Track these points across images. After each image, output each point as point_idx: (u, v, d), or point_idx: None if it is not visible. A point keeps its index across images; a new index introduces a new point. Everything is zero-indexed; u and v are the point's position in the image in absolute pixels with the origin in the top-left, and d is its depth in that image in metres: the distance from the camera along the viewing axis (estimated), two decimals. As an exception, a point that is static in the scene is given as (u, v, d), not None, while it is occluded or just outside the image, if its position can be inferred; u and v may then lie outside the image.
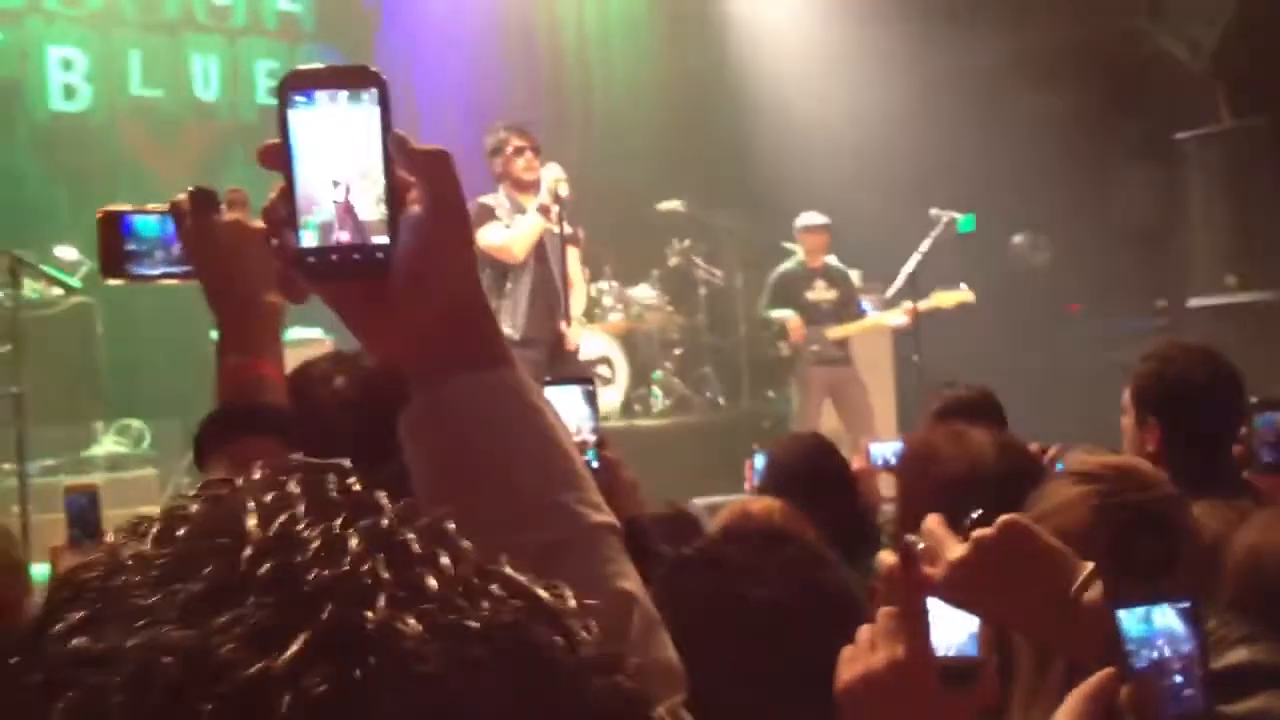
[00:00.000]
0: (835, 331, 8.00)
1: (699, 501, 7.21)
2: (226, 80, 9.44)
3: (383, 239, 0.91)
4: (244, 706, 0.48)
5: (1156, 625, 1.25)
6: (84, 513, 2.92)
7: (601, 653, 0.55)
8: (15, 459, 5.53)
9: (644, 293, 9.25)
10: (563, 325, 6.38)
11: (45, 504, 5.14)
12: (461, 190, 0.96)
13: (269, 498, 0.55)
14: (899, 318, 7.84)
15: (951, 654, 1.33)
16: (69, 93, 8.92)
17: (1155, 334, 8.22)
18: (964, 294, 7.66)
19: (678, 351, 9.40)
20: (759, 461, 3.71)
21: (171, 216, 1.49)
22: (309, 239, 0.91)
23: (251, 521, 0.53)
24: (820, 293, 8.09)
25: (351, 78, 0.91)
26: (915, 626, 1.29)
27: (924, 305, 7.66)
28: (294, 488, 0.56)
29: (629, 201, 9.87)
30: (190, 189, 1.49)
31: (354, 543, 0.53)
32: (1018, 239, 9.99)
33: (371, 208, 0.91)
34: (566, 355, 6.50)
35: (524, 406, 0.96)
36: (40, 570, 3.38)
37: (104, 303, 7.30)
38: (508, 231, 6.19)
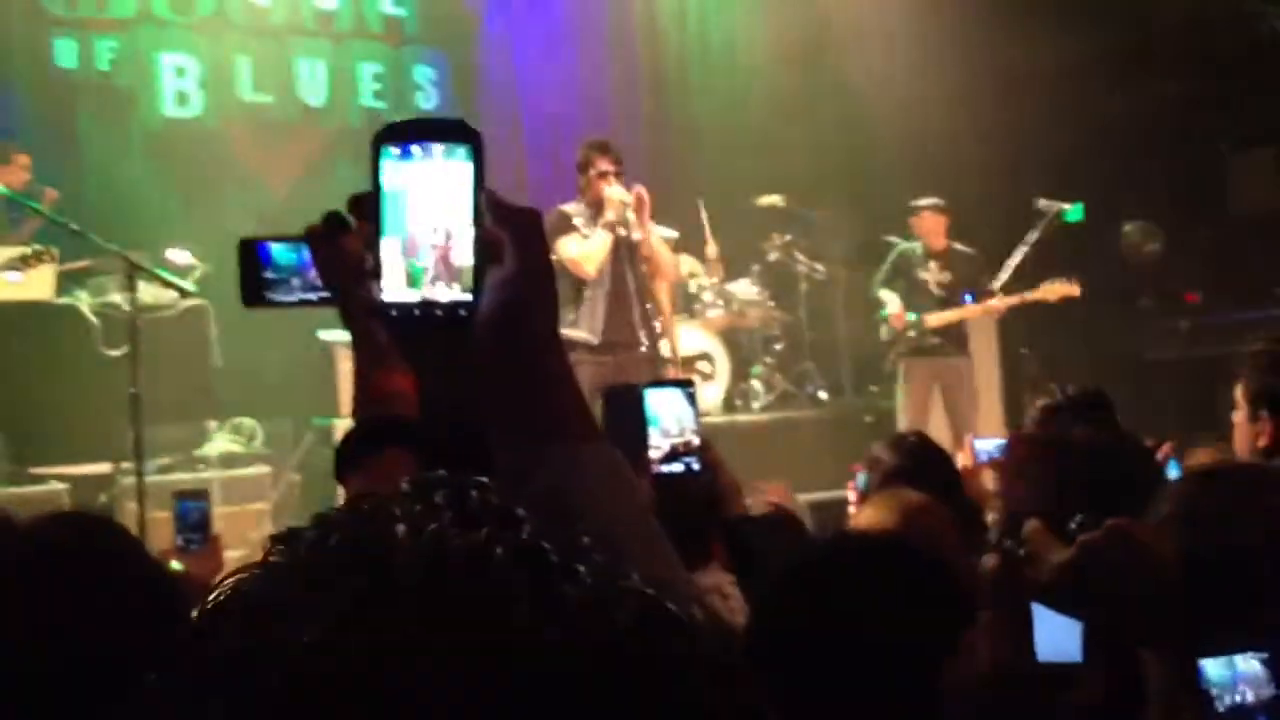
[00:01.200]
0: (934, 319, 7.84)
1: (802, 498, 7.18)
2: (333, 84, 9.60)
3: (467, 296, 0.91)
4: (390, 712, 0.51)
5: (1239, 670, 1.23)
6: (193, 517, 2.96)
7: (722, 665, 0.58)
8: (133, 458, 5.68)
9: (744, 288, 9.21)
10: (642, 334, 6.50)
11: (161, 502, 5.28)
12: (549, 253, 0.96)
13: (418, 509, 0.58)
14: (992, 308, 7.68)
15: (1054, 659, 1.31)
16: (181, 99, 9.14)
17: (1274, 325, 7.99)
18: (1068, 287, 7.50)
19: (778, 347, 9.35)
20: (860, 480, 3.64)
21: (306, 243, 1.53)
22: (393, 291, 0.91)
23: (401, 530, 0.56)
24: (934, 274, 7.92)
25: (447, 131, 0.92)
26: (1016, 630, 1.28)
27: (1030, 296, 7.51)
28: (440, 500, 0.59)
29: (729, 197, 9.84)
30: (323, 215, 1.53)
31: (499, 553, 0.56)
32: (1128, 228, 9.77)
33: (458, 263, 0.91)
34: (650, 360, 6.59)
35: (625, 482, 0.97)
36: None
37: (217, 305, 7.47)
38: (582, 246, 6.29)
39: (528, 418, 0.95)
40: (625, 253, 6.48)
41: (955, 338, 7.85)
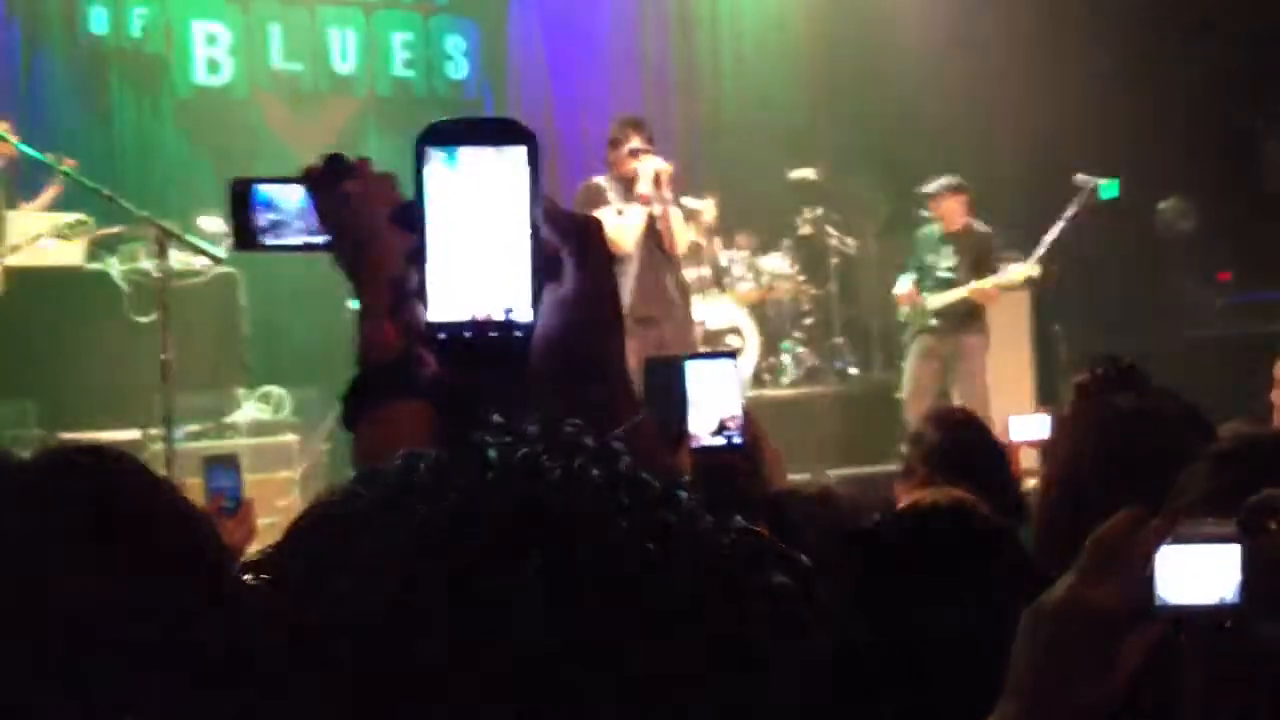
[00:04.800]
0: (933, 300, 7.81)
1: (831, 473, 7.16)
2: (363, 53, 9.58)
3: (523, 317, 0.82)
4: (482, 621, 0.50)
5: None
6: (225, 482, 2.94)
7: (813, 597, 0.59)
8: (161, 425, 5.69)
9: (775, 262, 9.18)
10: (675, 307, 6.54)
11: (190, 469, 5.29)
12: (613, 266, 0.88)
13: (508, 438, 0.56)
14: (975, 290, 7.67)
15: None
16: (212, 67, 9.14)
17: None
18: (1028, 269, 7.50)
19: (808, 321, 9.32)
20: None
21: (306, 185, 1.49)
22: (440, 312, 0.83)
23: (492, 454, 0.55)
24: (944, 258, 7.90)
25: (498, 132, 0.83)
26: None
27: (999, 281, 7.54)
28: (533, 430, 0.57)
29: (760, 170, 9.79)
30: (322, 156, 1.49)
31: (597, 474, 0.55)
32: (1163, 205, 9.67)
33: (512, 280, 0.82)
34: (686, 332, 6.62)
35: None
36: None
37: (246, 273, 7.48)
38: (617, 222, 6.29)
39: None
40: (654, 230, 6.49)
41: (962, 317, 7.79)
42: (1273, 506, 1.29)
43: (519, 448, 0.55)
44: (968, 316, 7.77)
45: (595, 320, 0.85)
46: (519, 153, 0.82)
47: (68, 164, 6.96)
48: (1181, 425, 2.38)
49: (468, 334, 0.82)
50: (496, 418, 0.59)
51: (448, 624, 0.50)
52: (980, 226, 7.88)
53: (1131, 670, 1.27)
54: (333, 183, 1.47)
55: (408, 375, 1.47)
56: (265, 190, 1.50)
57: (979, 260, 7.78)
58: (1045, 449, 3.38)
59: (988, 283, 7.58)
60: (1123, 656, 1.24)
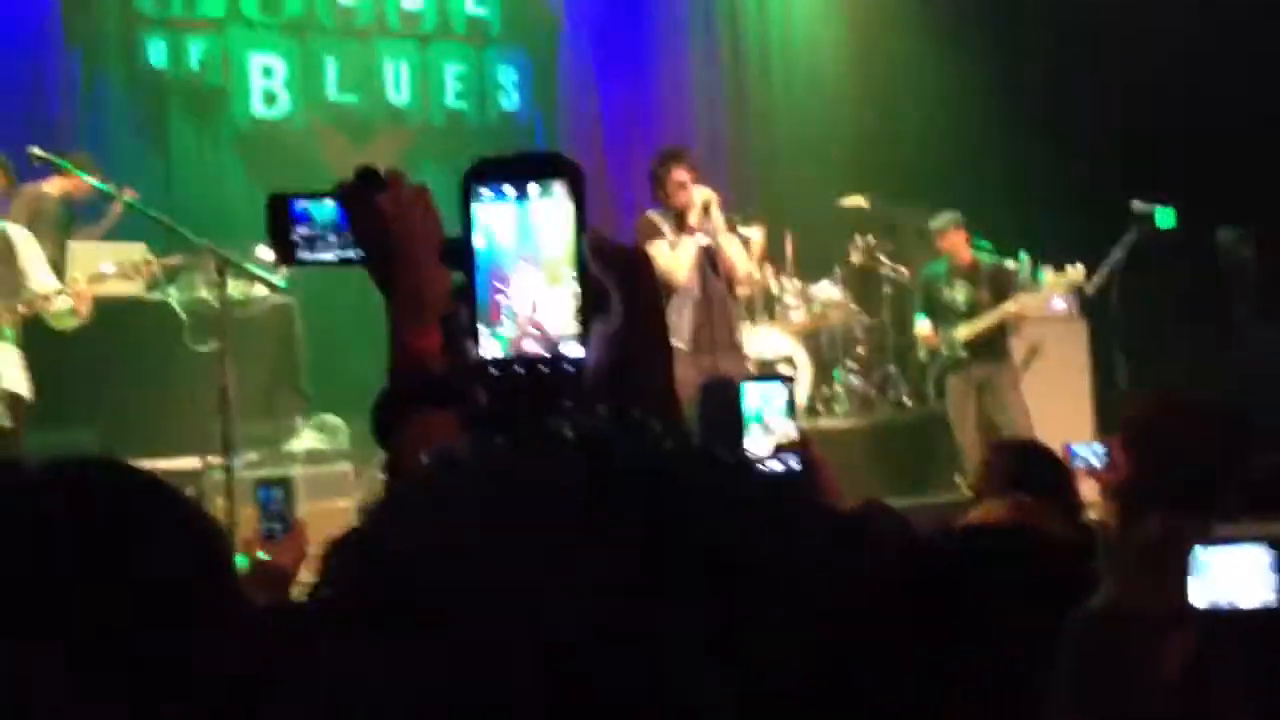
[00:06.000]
0: (962, 332, 7.80)
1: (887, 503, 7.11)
2: (417, 84, 9.67)
3: (573, 351, 0.82)
4: (578, 583, 0.50)
5: None
6: (276, 505, 2.95)
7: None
8: (220, 453, 5.74)
9: (826, 290, 9.15)
10: (730, 337, 6.59)
11: (248, 497, 5.33)
12: (661, 298, 0.88)
13: (579, 419, 0.57)
14: (1007, 313, 7.67)
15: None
16: (269, 99, 9.25)
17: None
18: (1073, 274, 7.50)
19: (861, 350, 9.27)
20: None
21: (339, 199, 1.50)
22: (492, 348, 0.83)
23: (568, 432, 0.56)
24: (956, 292, 7.91)
25: (543, 167, 0.84)
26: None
27: (1010, 310, 7.54)
28: (603, 413, 0.60)
29: (811, 198, 9.78)
30: (356, 170, 1.50)
31: (669, 445, 0.56)
32: (1221, 234, 9.55)
33: (561, 314, 0.82)
34: (740, 361, 6.66)
35: None
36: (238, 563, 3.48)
37: (303, 302, 7.55)
38: (670, 255, 6.32)
39: None
40: (708, 258, 6.52)
41: (991, 347, 7.79)
42: None
43: (594, 426, 0.56)
44: (994, 345, 7.79)
45: (644, 352, 0.87)
46: (562, 186, 0.83)
47: (129, 194, 7.08)
48: (1223, 432, 2.38)
49: (518, 369, 0.82)
50: (566, 404, 0.60)
51: (541, 589, 0.50)
52: (990, 257, 7.95)
53: (1172, 672, 1.26)
54: (366, 196, 1.47)
55: (439, 386, 1.47)
56: (301, 205, 1.51)
57: (1000, 288, 7.80)
58: (1098, 478, 3.37)
59: (1022, 302, 7.59)
60: (1164, 659, 1.24)
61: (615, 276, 0.86)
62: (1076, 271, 7.59)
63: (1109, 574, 1.34)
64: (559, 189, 0.83)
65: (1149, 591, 1.26)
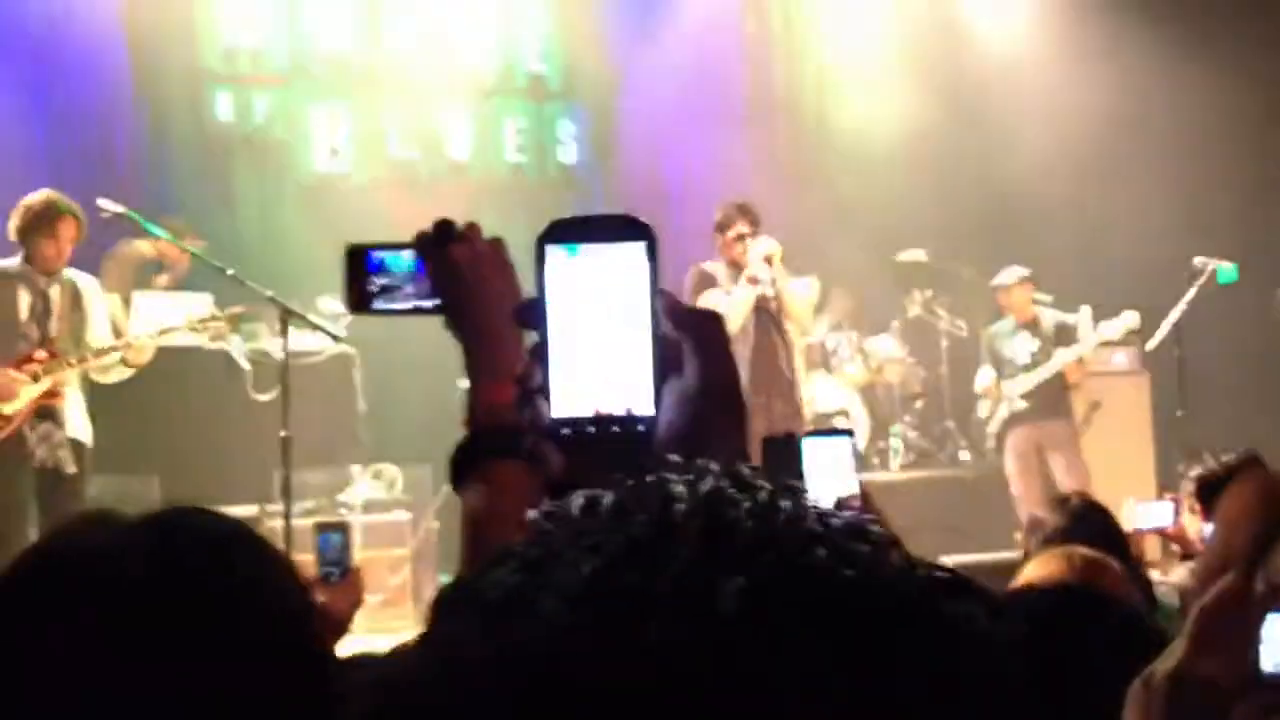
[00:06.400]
0: (1021, 385, 7.75)
1: (944, 560, 7.04)
2: (478, 139, 9.78)
3: (645, 411, 0.83)
4: (686, 646, 0.50)
5: None
6: (334, 549, 2.95)
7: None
8: (279, 500, 5.79)
9: (883, 344, 9.12)
10: (786, 388, 6.58)
11: (306, 545, 5.37)
12: (734, 361, 0.89)
13: (689, 475, 0.57)
14: (1068, 365, 7.61)
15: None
16: (332, 153, 9.39)
17: None
18: (1125, 322, 7.46)
19: (919, 404, 9.22)
20: None
21: (416, 250, 1.53)
22: (564, 407, 0.84)
23: (678, 489, 0.55)
24: (1018, 347, 7.89)
25: (617, 228, 0.84)
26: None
27: (1080, 351, 7.50)
28: (713, 467, 0.58)
29: (868, 252, 9.76)
30: (434, 222, 1.53)
31: (786, 506, 0.55)
32: (1281, 292, 9.44)
33: (633, 374, 0.83)
34: (796, 413, 6.65)
35: None
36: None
37: (362, 352, 7.62)
38: (725, 302, 6.34)
39: None
40: (766, 308, 6.53)
41: (1050, 401, 7.74)
42: None
43: (704, 482, 0.55)
44: (1054, 401, 7.74)
45: (717, 412, 0.86)
46: (638, 248, 0.84)
47: (196, 244, 7.22)
48: None
49: (591, 429, 0.83)
50: (674, 457, 0.60)
51: (639, 656, 0.50)
52: (1053, 313, 7.90)
53: None
54: (441, 247, 1.50)
55: (513, 437, 1.48)
56: (378, 255, 1.54)
57: (1063, 343, 7.78)
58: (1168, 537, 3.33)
59: (1073, 352, 7.58)
60: None
61: (689, 338, 0.86)
62: (1132, 319, 7.54)
63: (1180, 636, 1.32)
64: (632, 250, 0.84)
65: (1218, 657, 1.25)
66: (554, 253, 0.84)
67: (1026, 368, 7.81)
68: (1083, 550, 2.46)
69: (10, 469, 5.55)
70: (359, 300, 1.55)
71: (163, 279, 7.70)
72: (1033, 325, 7.89)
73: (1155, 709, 1.28)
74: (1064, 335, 7.85)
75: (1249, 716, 1.24)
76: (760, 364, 6.49)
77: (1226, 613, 1.25)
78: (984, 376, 8.02)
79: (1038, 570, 2.48)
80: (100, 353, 5.67)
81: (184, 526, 1.16)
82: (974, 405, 9.34)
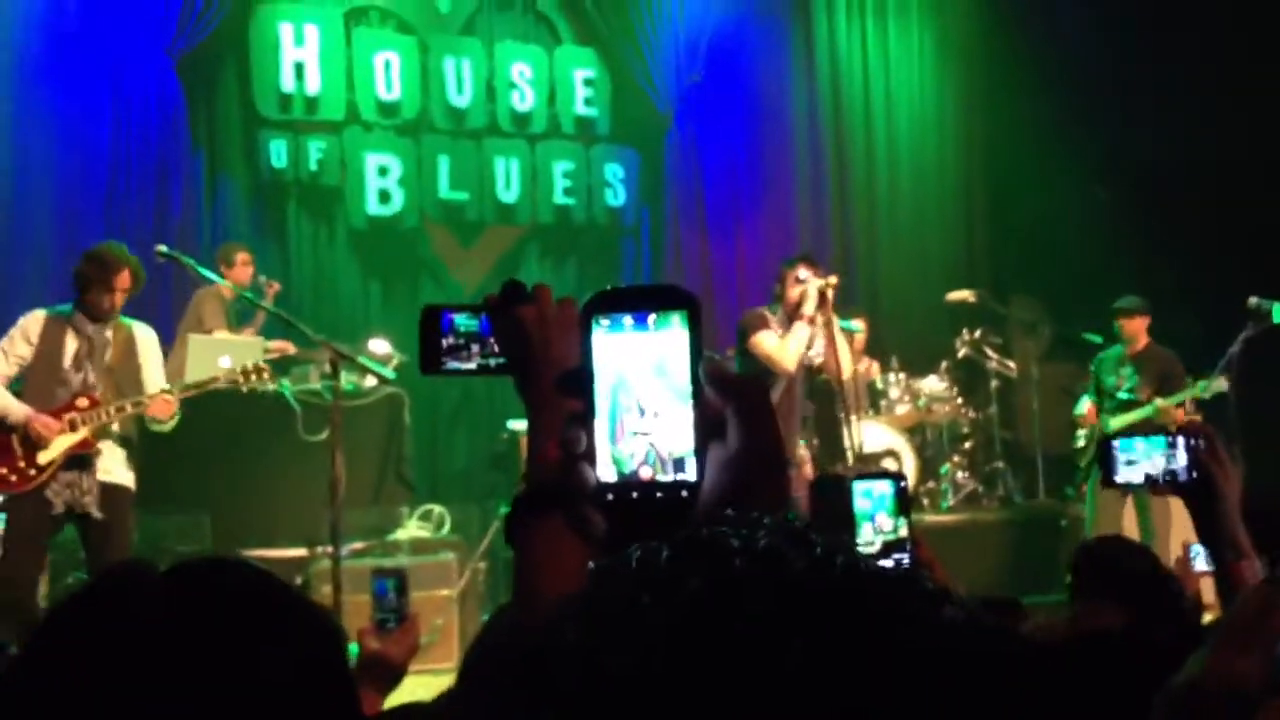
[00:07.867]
0: (1115, 422, 7.63)
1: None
2: (526, 181, 9.87)
3: (689, 476, 0.85)
4: (753, 691, 0.52)
5: None
6: (390, 596, 2.95)
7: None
8: (328, 541, 5.82)
9: (932, 384, 9.07)
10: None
11: (355, 585, 5.39)
12: (778, 426, 0.91)
13: (744, 531, 0.59)
14: (1163, 408, 7.48)
15: None
16: (383, 197, 9.51)
17: None
18: (1216, 382, 7.32)
19: (968, 445, 9.15)
20: None
21: (486, 311, 1.56)
22: (608, 473, 0.86)
23: (735, 542, 0.57)
24: (1119, 379, 7.74)
25: (661, 299, 0.87)
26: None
27: (1179, 399, 7.37)
28: (767, 522, 0.60)
29: (916, 292, 9.74)
30: (502, 284, 1.55)
31: (840, 561, 0.58)
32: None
33: (677, 440, 0.85)
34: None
35: None
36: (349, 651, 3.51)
37: (411, 394, 7.68)
38: (778, 344, 6.33)
39: None
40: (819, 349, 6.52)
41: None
42: None
43: (760, 538, 0.57)
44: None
45: (760, 477, 0.87)
46: (679, 317, 0.86)
47: (273, 288, 7.44)
48: None
49: (635, 494, 0.85)
50: (728, 512, 0.61)
51: (710, 713, 0.52)
52: (1161, 349, 7.75)
53: None
54: (508, 307, 1.52)
55: (567, 494, 1.50)
56: (451, 315, 1.57)
57: (1164, 381, 7.62)
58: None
59: (1174, 399, 7.44)
60: None
61: (732, 404, 0.88)
62: (1219, 383, 7.43)
63: (1203, 647, 1.32)
64: (676, 319, 0.86)
65: (1243, 661, 1.25)
66: (600, 322, 0.87)
67: (1123, 404, 7.68)
68: (1132, 601, 2.44)
69: (28, 513, 5.58)
70: (432, 360, 1.58)
71: (250, 327, 7.88)
72: (1144, 357, 7.75)
73: (1177, 716, 1.28)
74: (1172, 377, 7.68)
75: None
76: (792, 399, 6.49)
77: (1252, 618, 1.25)
78: (1084, 404, 7.88)
79: (1086, 621, 2.47)
80: (119, 409, 5.70)
81: (212, 579, 1.17)
82: (1025, 446, 9.26)
